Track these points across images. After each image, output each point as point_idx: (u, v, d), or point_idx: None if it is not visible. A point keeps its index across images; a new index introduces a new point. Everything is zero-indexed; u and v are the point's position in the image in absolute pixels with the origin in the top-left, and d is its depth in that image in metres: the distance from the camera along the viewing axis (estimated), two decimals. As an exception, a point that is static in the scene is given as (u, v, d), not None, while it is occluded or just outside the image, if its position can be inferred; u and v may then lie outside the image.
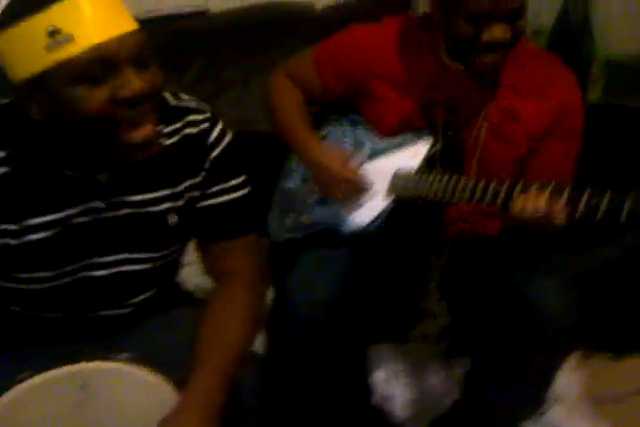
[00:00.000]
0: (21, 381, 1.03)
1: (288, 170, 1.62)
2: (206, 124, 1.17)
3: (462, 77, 1.42)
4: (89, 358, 1.07)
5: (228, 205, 1.21)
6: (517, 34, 1.31)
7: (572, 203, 1.13)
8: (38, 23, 0.95)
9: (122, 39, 0.97)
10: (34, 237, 1.09)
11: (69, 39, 0.95)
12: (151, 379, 1.06)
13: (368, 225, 1.43)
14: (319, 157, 1.46)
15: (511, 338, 1.37)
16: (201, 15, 2.05)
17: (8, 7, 0.98)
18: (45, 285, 1.13)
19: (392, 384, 1.68)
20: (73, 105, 0.98)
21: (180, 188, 1.16)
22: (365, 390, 1.55)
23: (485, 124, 1.43)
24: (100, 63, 0.96)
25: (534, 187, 1.20)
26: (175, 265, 1.31)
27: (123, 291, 1.21)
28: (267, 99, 1.58)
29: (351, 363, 1.46)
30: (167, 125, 1.14)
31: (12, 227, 1.08)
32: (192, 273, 1.47)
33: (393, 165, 1.44)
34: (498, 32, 1.29)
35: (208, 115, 1.18)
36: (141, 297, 1.23)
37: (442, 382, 1.68)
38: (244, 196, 1.22)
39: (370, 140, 1.50)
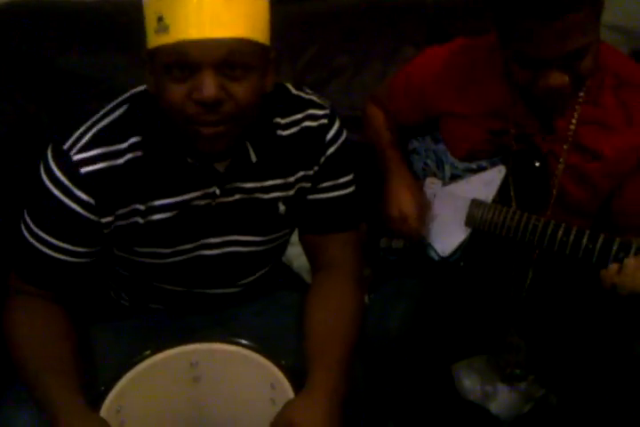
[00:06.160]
0: (145, 358, 1.12)
1: None
2: (325, 120, 1.21)
3: (528, 109, 1.35)
4: (202, 338, 1.16)
5: (336, 201, 1.27)
6: (580, 76, 1.21)
7: None
8: (154, 5, 1.00)
9: (212, 42, 0.97)
10: (157, 217, 1.17)
11: (166, 29, 0.98)
12: (261, 361, 1.12)
13: (449, 256, 1.44)
14: (392, 192, 1.48)
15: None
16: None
17: None
18: (164, 260, 1.23)
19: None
20: (161, 92, 1.04)
21: (292, 178, 1.22)
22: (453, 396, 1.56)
23: (560, 167, 1.35)
24: (182, 59, 0.98)
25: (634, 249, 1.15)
26: (283, 248, 1.39)
27: (233, 271, 1.30)
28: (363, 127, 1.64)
29: (435, 381, 1.45)
30: (286, 116, 1.19)
31: (141, 207, 1.16)
32: (295, 253, 1.52)
33: (469, 191, 1.44)
34: (554, 79, 1.18)
35: (328, 111, 1.23)
36: (251, 278, 1.33)
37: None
38: (350, 193, 1.29)
39: (449, 162, 1.50)
